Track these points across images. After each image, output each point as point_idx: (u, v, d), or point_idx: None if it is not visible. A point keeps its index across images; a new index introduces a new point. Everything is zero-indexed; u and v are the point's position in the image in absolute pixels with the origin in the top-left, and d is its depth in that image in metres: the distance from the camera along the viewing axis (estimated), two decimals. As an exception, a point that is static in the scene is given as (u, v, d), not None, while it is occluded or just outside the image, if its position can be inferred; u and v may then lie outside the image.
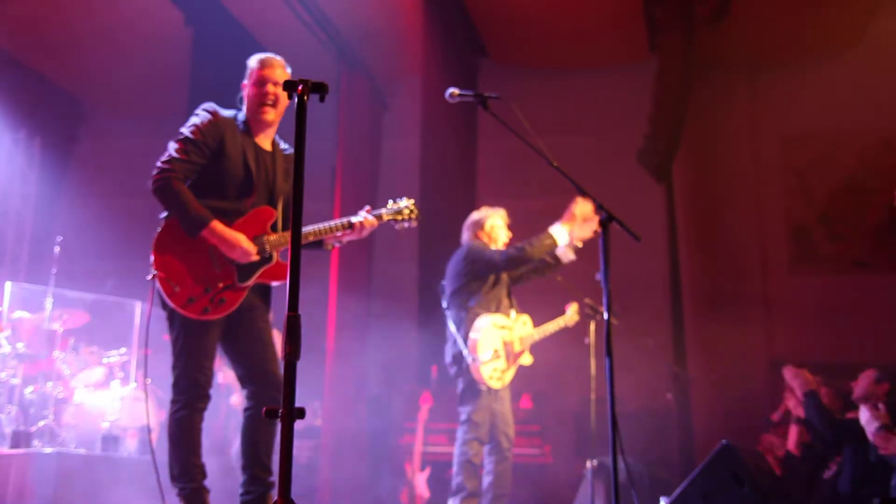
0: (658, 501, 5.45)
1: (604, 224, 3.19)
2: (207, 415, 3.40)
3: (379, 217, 3.66)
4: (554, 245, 4.84)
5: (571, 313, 5.31)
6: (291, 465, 2.00)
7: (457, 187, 8.88)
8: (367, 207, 3.67)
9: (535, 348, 5.15)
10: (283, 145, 3.66)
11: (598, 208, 3.23)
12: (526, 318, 5.17)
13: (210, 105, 3.46)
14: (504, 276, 5.09)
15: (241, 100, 3.56)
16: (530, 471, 6.87)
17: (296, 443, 2.09)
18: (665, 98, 8.17)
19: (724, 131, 9.34)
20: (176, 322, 3.33)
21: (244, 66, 3.54)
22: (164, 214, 3.37)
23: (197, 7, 7.96)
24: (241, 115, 3.52)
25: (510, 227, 5.28)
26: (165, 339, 3.47)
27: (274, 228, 3.48)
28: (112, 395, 6.20)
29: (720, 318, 8.66)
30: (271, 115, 3.49)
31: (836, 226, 8.97)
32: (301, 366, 2.10)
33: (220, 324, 3.37)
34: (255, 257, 3.37)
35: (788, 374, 5.84)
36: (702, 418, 8.16)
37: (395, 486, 6.75)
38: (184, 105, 7.61)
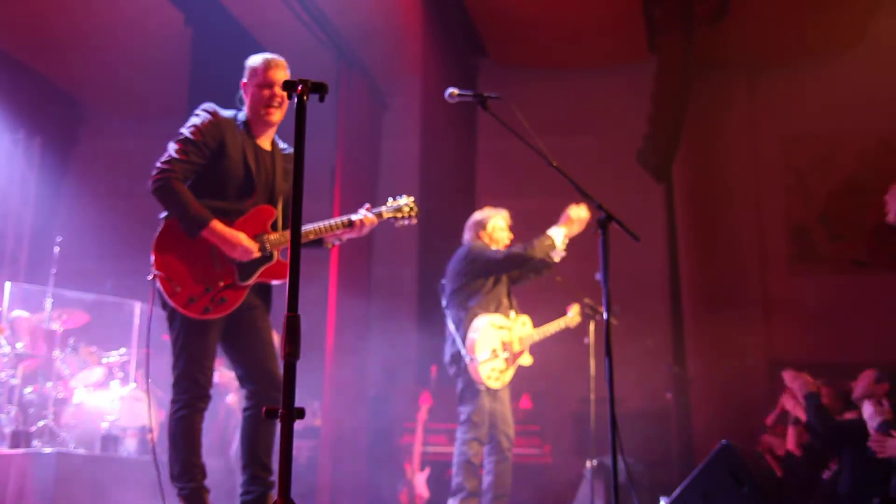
0: (658, 501, 5.45)
1: (603, 224, 3.19)
2: (207, 415, 3.40)
3: (379, 215, 3.66)
4: (553, 246, 4.85)
5: (573, 314, 5.32)
6: (291, 465, 2.00)
7: (456, 187, 8.89)
8: (367, 205, 3.67)
9: (535, 348, 5.16)
10: (281, 145, 3.66)
11: (598, 208, 3.23)
12: (525, 319, 5.17)
13: (210, 105, 3.47)
14: (504, 277, 5.10)
15: (240, 99, 3.56)
16: (530, 471, 6.87)
17: (296, 443, 2.10)
18: (665, 98, 8.16)
19: (723, 131, 9.34)
20: (176, 322, 3.33)
21: (244, 67, 3.53)
22: (164, 214, 3.37)
23: (197, 7, 7.96)
24: (242, 115, 3.52)
25: (511, 228, 5.28)
26: (165, 339, 3.47)
27: (274, 227, 3.48)
28: (111, 395, 6.20)
29: (720, 318, 8.67)
30: (277, 116, 3.50)
31: (835, 226, 8.97)
32: (301, 366, 2.10)
33: (220, 323, 3.37)
34: (257, 254, 3.37)
35: (788, 376, 5.84)
36: (701, 418, 8.16)
37: (394, 486, 6.75)
38: (184, 105, 7.61)
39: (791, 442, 5.98)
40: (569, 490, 6.60)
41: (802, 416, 5.71)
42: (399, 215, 3.74)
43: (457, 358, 4.91)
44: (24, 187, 8.84)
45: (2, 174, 8.55)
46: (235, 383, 7.25)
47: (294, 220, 2.15)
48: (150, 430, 6.09)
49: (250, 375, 3.44)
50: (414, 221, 3.78)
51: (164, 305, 3.33)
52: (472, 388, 4.86)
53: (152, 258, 3.29)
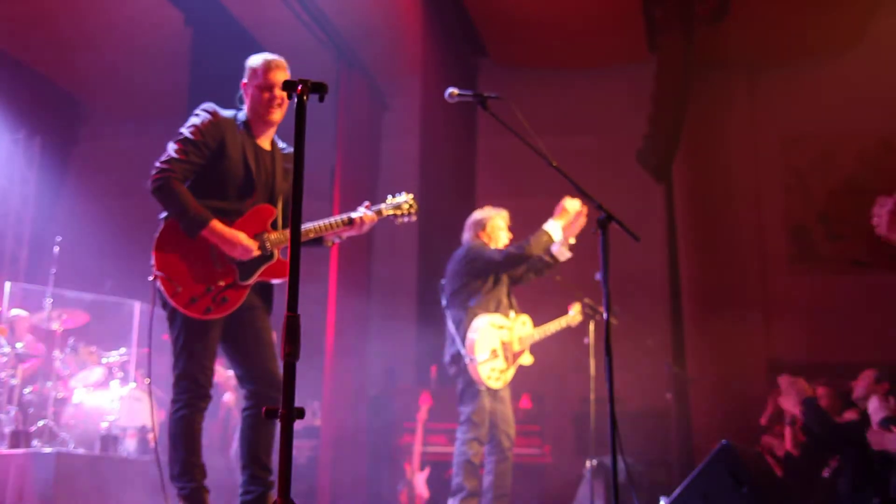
0: (658, 501, 5.45)
1: (603, 224, 3.19)
2: (207, 414, 3.40)
3: (378, 212, 3.66)
4: (550, 241, 4.86)
5: (574, 313, 5.31)
6: (291, 465, 2.00)
7: (456, 187, 8.89)
8: (367, 203, 3.67)
9: (535, 349, 5.15)
10: (281, 144, 3.66)
11: (598, 208, 3.23)
12: (525, 318, 5.16)
13: (210, 105, 3.47)
14: (504, 276, 5.10)
15: (240, 99, 3.56)
16: (530, 471, 6.87)
17: (295, 443, 2.10)
18: (664, 98, 8.16)
19: (723, 131, 9.34)
20: (177, 322, 3.33)
21: (244, 67, 3.53)
22: (164, 214, 3.37)
23: (196, 7, 7.96)
24: (241, 115, 3.52)
25: (510, 228, 5.28)
26: (165, 339, 3.47)
27: (274, 226, 3.48)
28: (111, 395, 6.20)
29: (719, 317, 8.67)
30: (277, 115, 3.51)
31: (835, 226, 8.97)
32: (300, 366, 2.10)
33: (220, 323, 3.37)
34: (256, 253, 3.37)
35: (784, 382, 5.86)
36: (701, 418, 8.16)
37: (394, 485, 6.75)
38: (184, 105, 7.62)
39: (789, 442, 5.98)
40: (569, 490, 6.60)
41: (799, 419, 5.72)
42: (399, 213, 3.74)
43: (457, 358, 4.91)
44: (24, 187, 8.85)
45: (2, 174, 8.56)
46: (233, 382, 7.28)
47: (294, 220, 2.15)
48: (152, 430, 6.11)
49: (250, 376, 3.44)
50: (413, 219, 3.78)
51: (165, 305, 3.33)
52: (472, 389, 4.86)
53: (153, 258, 3.29)
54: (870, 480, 4.99)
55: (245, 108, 3.54)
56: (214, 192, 3.38)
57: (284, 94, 3.45)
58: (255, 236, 3.39)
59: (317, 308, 7.25)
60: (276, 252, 3.45)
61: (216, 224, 3.30)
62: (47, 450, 5.22)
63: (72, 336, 6.70)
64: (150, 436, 6.10)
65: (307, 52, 7.40)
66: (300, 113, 2.19)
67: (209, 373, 3.37)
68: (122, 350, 6.70)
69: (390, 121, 9.00)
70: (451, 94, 3.52)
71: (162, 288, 3.26)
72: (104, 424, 5.97)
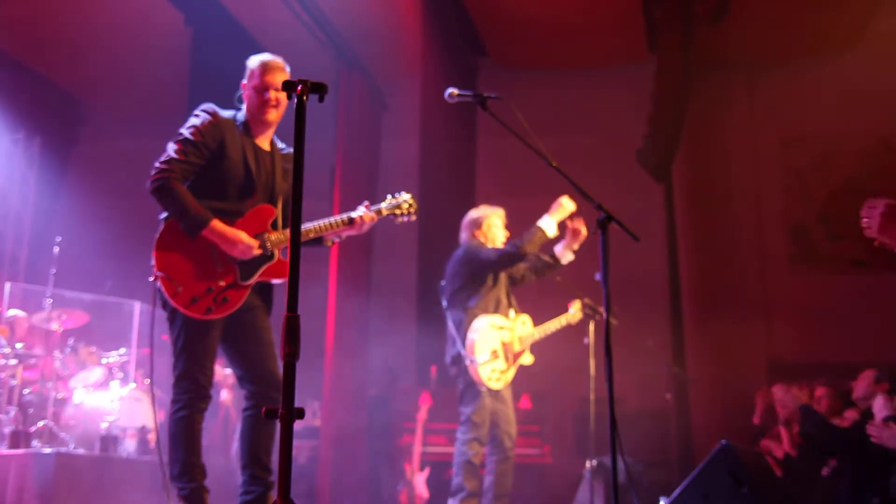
0: (657, 501, 5.45)
1: (603, 224, 3.19)
2: (207, 414, 3.40)
3: (378, 212, 3.66)
4: (544, 237, 4.85)
5: (575, 311, 5.30)
6: (291, 465, 2.00)
7: (456, 187, 8.89)
8: (366, 203, 3.67)
9: (535, 349, 5.15)
10: (280, 144, 3.66)
11: (598, 208, 3.22)
12: (526, 318, 5.16)
13: (209, 106, 3.47)
14: (503, 276, 5.10)
15: (239, 99, 3.56)
16: (530, 471, 6.87)
17: (295, 443, 2.10)
18: (664, 98, 8.16)
19: (723, 131, 9.35)
20: (177, 322, 3.32)
21: (244, 67, 3.54)
22: (164, 215, 3.37)
23: (196, 7, 7.97)
24: (241, 116, 3.53)
25: (509, 228, 5.28)
26: (164, 339, 3.47)
27: (274, 226, 3.49)
28: (111, 395, 6.20)
29: (719, 318, 8.67)
30: (273, 115, 3.51)
31: (835, 226, 8.97)
32: (301, 366, 2.10)
33: (220, 324, 3.37)
34: (258, 251, 3.37)
35: (779, 392, 5.88)
36: (701, 418, 8.17)
37: (394, 485, 6.75)
38: (184, 105, 7.62)
39: (786, 444, 5.98)
40: (569, 490, 6.60)
41: (795, 423, 5.72)
42: (398, 212, 3.74)
43: (457, 359, 4.91)
44: (24, 187, 8.85)
45: (2, 174, 8.55)
46: (230, 380, 7.29)
47: (294, 220, 2.15)
48: (154, 431, 6.11)
49: (250, 376, 3.44)
50: (413, 218, 3.78)
51: (165, 305, 3.33)
52: (472, 389, 4.86)
53: (153, 259, 3.29)
54: (870, 480, 4.99)
55: (244, 108, 3.54)
56: (214, 193, 3.39)
57: (279, 95, 3.46)
58: (256, 236, 3.40)
59: (317, 308, 7.25)
60: (276, 252, 3.46)
61: (217, 223, 3.30)
62: (47, 450, 5.22)
63: (72, 336, 6.70)
64: (151, 436, 6.10)
65: (307, 52, 7.40)
66: (300, 113, 2.19)
67: (209, 373, 3.37)
68: (122, 350, 6.70)
69: (390, 121, 9.01)
70: (450, 95, 3.52)
71: (162, 288, 3.25)
72: (104, 425, 5.97)
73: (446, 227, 5.47)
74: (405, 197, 3.77)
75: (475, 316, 4.91)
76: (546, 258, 5.11)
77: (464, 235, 5.21)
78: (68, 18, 8.14)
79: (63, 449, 5.52)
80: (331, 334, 7.34)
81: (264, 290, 3.53)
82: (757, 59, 9.17)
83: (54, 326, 6.36)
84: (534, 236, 4.84)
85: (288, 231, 3.44)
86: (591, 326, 5.27)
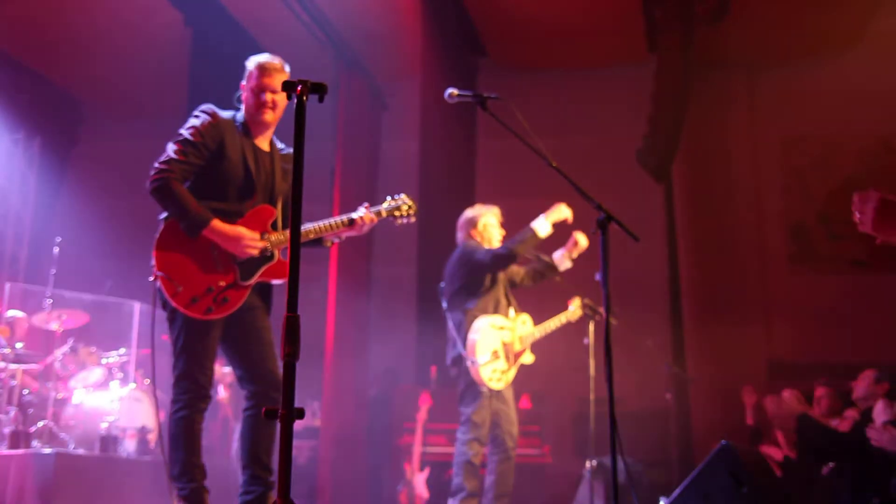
0: (657, 501, 5.45)
1: (603, 224, 3.19)
2: (207, 415, 3.40)
3: (378, 213, 3.66)
4: (536, 238, 4.85)
5: (574, 308, 5.30)
6: (291, 466, 2.00)
7: (456, 187, 8.89)
8: (366, 204, 3.67)
9: (535, 349, 5.15)
10: (279, 145, 3.66)
11: (597, 208, 3.22)
12: (526, 317, 5.16)
13: (209, 107, 3.46)
14: (501, 276, 5.10)
15: (238, 99, 3.56)
16: (530, 471, 6.87)
17: (295, 443, 2.10)
18: (664, 98, 8.16)
19: (723, 131, 9.35)
20: (177, 322, 3.32)
21: (243, 67, 3.53)
22: (164, 215, 3.37)
23: (196, 8, 7.97)
24: (240, 116, 3.53)
25: (508, 227, 5.28)
26: (164, 339, 3.47)
27: (274, 227, 3.49)
28: (111, 395, 6.20)
29: (719, 318, 8.67)
30: (270, 116, 3.50)
31: (835, 225, 8.97)
32: (301, 366, 2.10)
33: (220, 324, 3.37)
34: (262, 243, 3.37)
35: (771, 405, 5.89)
36: (701, 418, 8.17)
37: (394, 486, 6.75)
38: (183, 106, 7.61)
39: (785, 447, 5.99)
40: (569, 490, 6.60)
41: (793, 433, 5.73)
42: (397, 214, 3.74)
43: (458, 360, 4.91)
44: (24, 188, 8.85)
45: (2, 174, 8.55)
46: (228, 378, 7.28)
47: (294, 220, 2.15)
48: (156, 431, 6.12)
49: (250, 376, 3.44)
50: (412, 220, 3.78)
51: (165, 306, 3.33)
52: (473, 389, 4.86)
53: (153, 258, 3.29)
54: (870, 480, 4.99)
55: (243, 109, 3.54)
56: (214, 194, 3.38)
57: (275, 97, 3.45)
58: (255, 237, 3.40)
59: (317, 308, 7.25)
60: (276, 252, 3.46)
61: (217, 223, 3.30)
62: (47, 450, 5.21)
63: (71, 336, 6.70)
64: (150, 436, 6.10)
65: (307, 52, 7.40)
66: (300, 113, 2.19)
67: (209, 373, 3.37)
68: (122, 350, 6.70)
69: (390, 121, 9.00)
70: (450, 95, 3.52)
71: (162, 288, 3.25)
72: (104, 425, 5.97)
73: (446, 227, 5.46)
74: (404, 199, 3.78)
75: (475, 317, 4.91)
76: (546, 259, 5.11)
77: (460, 235, 5.21)
78: (68, 18, 8.14)
79: (63, 449, 5.52)
80: (331, 334, 7.34)
81: (264, 291, 3.53)
82: (757, 59, 9.17)
83: (54, 327, 6.36)
84: (525, 237, 4.84)
85: (288, 231, 3.44)
86: (591, 326, 5.27)
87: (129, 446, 6.01)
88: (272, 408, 2.04)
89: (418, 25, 8.14)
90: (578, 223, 4.98)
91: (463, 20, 8.96)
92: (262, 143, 3.55)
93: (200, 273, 3.30)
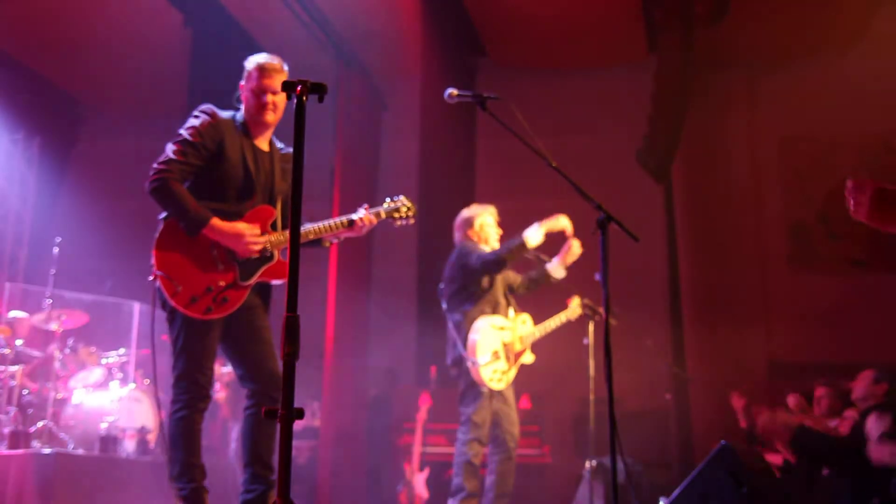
0: (657, 501, 5.45)
1: (603, 224, 3.19)
2: (206, 415, 3.40)
3: (377, 215, 3.67)
4: (524, 248, 4.84)
5: (574, 306, 5.30)
6: (290, 466, 2.00)
7: (455, 187, 8.89)
8: (366, 205, 3.67)
9: (535, 349, 5.15)
10: (278, 144, 3.66)
11: (597, 208, 3.22)
12: (526, 317, 5.16)
13: (208, 107, 3.46)
14: (499, 277, 5.10)
15: (237, 99, 3.56)
16: (529, 471, 6.87)
17: (295, 443, 2.10)
18: (664, 98, 8.17)
19: (723, 131, 9.35)
20: (177, 322, 3.32)
21: (243, 67, 3.53)
22: (164, 215, 3.37)
23: (196, 8, 7.97)
24: (240, 116, 3.52)
25: (508, 227, 5.27)
26: (164, 339, 3.47)
27: (274, 227, 3.49)
28: (111, 395, 6.20)
29: (719, 317, 8.67)
30: (271, 117, 3.51)
31: (835, 225, 8.97)
32: (300, 366, 2.10)
33: (220, 323, 3.37)
34: (263, 239, 3.37)
35: (763, 421, 5.89)
36: (701, 418, 8.17)
37: (394, 486, 6.75)
38: (183, 106, 7.62)
39: (784, 452, 6.00)
40: (568, 490, 6.60)
41: (787, 441, 5.74)
42: (397, 215, 3.75)
43: (459, 361, 4.91)
44: (24, 188, 8.84)
45: (1, 175, 8.55)
46: (226, 378, 7.28)
47: (293, 221, 2.15)
48: (155, 431, 6.12)
49: (251, 375, 3.44)
50: (411, 221, 3.78)
51: (164, 305, 3.33)
52: (474, 390, 4.86)
53: (153, 258, 3.29)
54: (870, 481, 4.99)
55: (242, 109, 3.54)
56: (214, 194, 3.38)
57: (276, 98, 3.45)
58: (255, 237, 3.40)
59: (317, 308, 7.25)
60: (276, 253, 3.46)
61: (216, 221, 3.30)
62: (47, 450, 5.21)
63: (71, 337, 6.69)
64: (150, 436, 6.10)
65: (306, 52, 7.40)
66: (299, 113, 2.19)
67: (209, 373, 3.37)
68: (122, 351, 6.69)
69: (390, 121, 9.00)
70: (450, 95, 3.52)
71: (162, 288, 3.25)
72: (104, 425, 5.97)
73: (446, 227, 5.46)
74: (403, 200, 3.78)
75: (474, 318, 4.91)
76: (545, 259, 5.11)
77: (457, 236, 5.21)
78: (68, 18, 8.14)
79: (63, 449, 5.52)
80: (331, 334, 7.34)
81: (263, 290, 3.52)
82: (757, 59, 9.17)
83: (54, 327, 6.35)
84: (513, 246, 4.85)
85: (287, 232, 3.45)
86: (591, 327, 5.27)
87: (128, 446, 6.01)
88: (272, 408, 2.04)
89: (418, 25, 8.15)
90: (578, 223, 4.97)
91: (463, 20, 8.96)
92: (262, 143, 3.55)
93: (200, 273, 3.30)
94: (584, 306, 5.28)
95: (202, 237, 3.30)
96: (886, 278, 8.39)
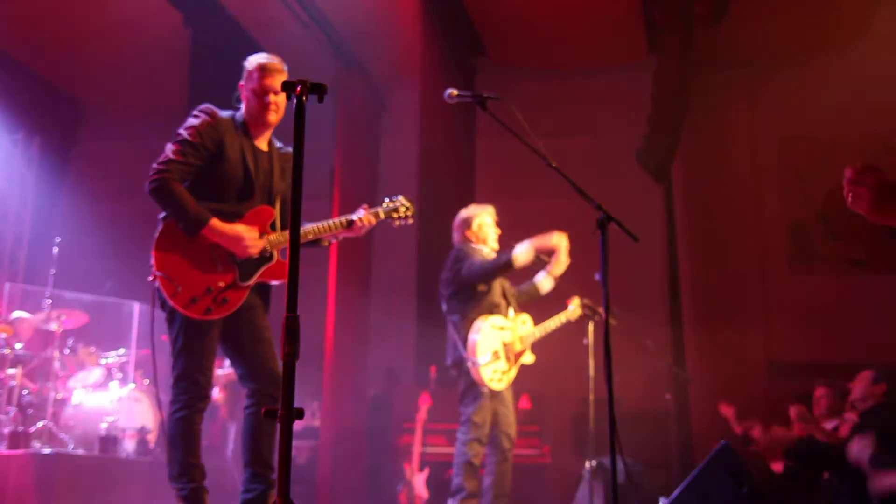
0: (657, 501, 5.45)
1: (602, 225, 3.19)
2: (206, 415, 3.40)
3: (376, 215, 3.67)
4: (511, 266, 4.85)
5: (574, 307, 5.30)
6: (290, 465, 2.00)
7: (455, 188, 8.89)
8: (365, 206, 3.67)
9: (535, 349, 5.15)
10: (277, 144, 3.66)
11: (597, 209, 3.22)
12: (526, 317, 5.16)
13: (208, 106, 3.46)
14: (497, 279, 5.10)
15: (237, 99, 3.56)
16: (529, 471, 6.87)
17: (295, 443, 2.10)
18: (664, 98, 8.16)
19: (723, 131, 9.34)
20: (176, 322, 3.32)
21: (243, 67, 3.53)
22: (163, 215, 3.36)
23: (196, 8, 7.97)
24: (239, 116, 3.52)
25: (508, 228, 5.27)
26: (164, 339, 3.47)
27: (273, 227, 3.49)
28: (110, 395, 6.20)
29: (719, 318, 8.66)
30: (273, 117, 3.51)
31: (835, 225, 8.97)
32: (300, 366, 2.10)
33: (220, 323, 3.37)
34: (261, 242, 3.37)
35: (765, 442, 5.90)
36: (701, 418, 8.16)
37: (393, 486, 6.75)
38: (184, 105, 7.60)
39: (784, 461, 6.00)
40: (568, 490, 6.60)
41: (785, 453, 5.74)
42: (395, 215, 3.75)
43: (459, 362, 4.91)
44: (23, 188, 8.84)
45: (1, 175, 8.55)
46: (223, 379, 7.28)
47: (293, 221, 2.15)
48: (155, 431, 6.12)
49: (251, 374, 3.44)
50: (410, 221, 3.79)
51: (164, 306, 3.32)
52: (474, 390, 4.86)
53: (152, 259, 3.29)
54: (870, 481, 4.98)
55: (242, 109, 3.53)
56: (213, 195, 3.38)
57: (278, 99, 3.45)
58: (255, 239, 3.40)
59: (317, 308, 7.25)
60: (275, 253, 3.45)
61: (216, 222, 3.29)
62: (47, 451, 5.22)
63: (71, 337, 6.69)
64: (150, 436, 6.10)
65: (306, 52, 7.40)
66: (299, 113, 2.19)
67: (208, 373, 3.37)
68: (122, 351, 6.70)
69: (389, 121, 9.00)
70: (450, 95, 3.52)
71: (161, 288, 3.25)
72: (103, 425, 5.97)
73: (446, 227, 5.46)
74: (402, 200, 3.78)
75: (474, 318, 4.91)
76: (546, 259, 5.11)
77: (456, 236, 5.21)
78: (68, 18, 8.13)
79: (63, 449, 5.52)
80: (331, 334, 7.34)
81: (262, 290, 3.52)
82: (757, 59, 9.16)
83: (53, 327, 6.35)
84: (499, 263, 4.86)
85: (287, 232, 3.45)
86: (591, 327, 5.27)
87: (128, 446, 6.02)
88: (272, 408, 2.04)
89: (418, 25, 8.14)
90: (578, 223, 4.95)
91: (463, 20, 8.95)
92: (261, 143, 3.55)
93: (199, 273, 3.30)
94: (583, 307, 5.28)
95: (201, 238, 3.30)
96: (886, 278, 8.39)
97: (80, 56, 8.69)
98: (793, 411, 6.04)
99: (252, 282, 3.39)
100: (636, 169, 8.59)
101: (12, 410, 5.79)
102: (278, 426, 2.07)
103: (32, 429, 5.69)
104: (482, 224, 5.15)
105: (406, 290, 8.30)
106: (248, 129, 3.50)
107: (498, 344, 4.92)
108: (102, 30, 8.17)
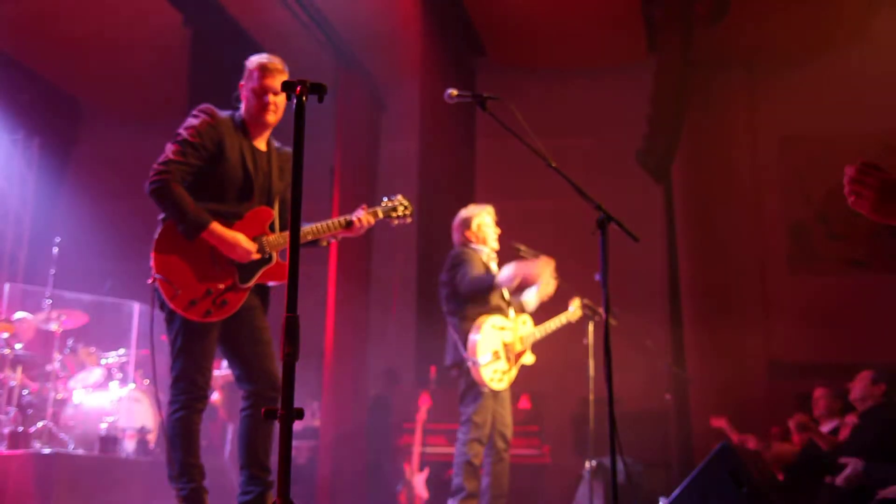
0: (657, 501, 5.45)
1: (602, 225, 3.19)
2: (205, 415, 3.40)
3: (375, 214, 3.67)
4: (493, 288, 4.88)
5: (574, 308, 5.30)
6: (290, 466, 2.00)
7: (455, 188, 8.88)
8: (364, 205, 3.67)
9: (535, 349, 5.15)
10: (276, 144, 3.65)
11: (597, 209, 3.22)
12: (526, 318, 5.16)
13: (207, 106, 3.45)
14: None
15: (237, 99, 3.55)
16: (529, 471, 6.87)
17: (295, 443, 2.09)
18: (664, 98, 8.16)
19: (722, 131, 9.34)
20: (176, 323, 3.32)
21: (243, 67, 3.53)
22: (163, 216, 3.36)
23: (195, 8, 7.97)
24: (238, 116, 3.51)
25: (508, 228, 5.27)
26: (163, 339, 3.47)
27: (272, 228, 3.48)
28: (110, 395, 6.20)
29: (719, 318, 8.66)
30: (273, 117, 3.50)
31: (834, 225, 8.97)
32: (300, 366, 2.10)
33: (219, 325, 3.37)
34: (257, 256, 3.37)
35: (773, 455, 5.91)
36: (701, 419, 8.16)
37: (393, 486, 6.75)
38: (183, 105, 7.61)
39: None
40: (568, 490, 6.60)
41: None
42: (394, 214, 3.75)
43: (458, 362, 4.90)
44: (23, 188, 8.84)
45: (1, 175, 8.55)
46: (221, 381, 7.29)
47: (293, 221, 2.15)
48: (155, 431, 6.12)
49: (248, 375, 3.43)
50: (409, 220, 3.79)
51: (163, 306, 3.32)
52: (475, 390, 4.86)
53: (152, 260, 3.28)
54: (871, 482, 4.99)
55: (242, 108, 3.53)
56: (212, 195, 3.37)
57: (277, 99, 3.45)
58: (254, 239, 3.39)
59: (317, 308, 7.25)
60: (274, 255, 3.45)
61: (216, 226, 3.29)
62: (47, 451, 5.22)
63: (71, 337, 6.69)
64: (150, 437, 6.10)
65: (306, 52, 7.40)
66: (299, 114, 2.19)
67: (207, 374, 3.36)
68: (122, 351, 6.69)
69: (389, 121, 9.00)
70: (450, 95, 3.51)
71: (161, 290, 3.25)
72: (103, 425, 5.97)
73: (446, 227, 5.46)
74: (401, 200, 3.78)
75: (474, 318, 4.91)
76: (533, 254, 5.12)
77: (455, 236, 5.21)
78: (68, 19, 8.14)
79: (63, 449, 5.52)
80: (330, 334, 7.34)
81: (261, 290, 3.52)
82: (757, 58, 9.17)
83: (53, 327, 6.35)
84: (484, 286, 4.87)
85: (286, 234, 3.44)
86: (591, 327, 5.27)
87: (128, 447, 6.02)
88: (272, 408, 2.04)
89: (418, 25, 8.14)
90: (578, 223, 4.95)
91: (462, 20, 8.96)
92: (260, 143, 3.54)
93: (199, 276, 3.29)
94: (584, 307, 5.28)
95: (201, 240, 3.29)
96: (886, 278, 8.39)
97: (80, 56, 8.70)
98: (792, 423, 6.06)
99: (251, 283, 3.39)
100: (636, 169, 8.59)
101: (12, 410, 5.79)
102: (276, 427, 2.07)
103: (32, 429, 5.69)
104: (482, 224, 5.15)
105: (406, 290, 8.31)
106: (247, 128, 3.49)
107: (498, 344, 4.92)
108: (102, 30, 8.18)
